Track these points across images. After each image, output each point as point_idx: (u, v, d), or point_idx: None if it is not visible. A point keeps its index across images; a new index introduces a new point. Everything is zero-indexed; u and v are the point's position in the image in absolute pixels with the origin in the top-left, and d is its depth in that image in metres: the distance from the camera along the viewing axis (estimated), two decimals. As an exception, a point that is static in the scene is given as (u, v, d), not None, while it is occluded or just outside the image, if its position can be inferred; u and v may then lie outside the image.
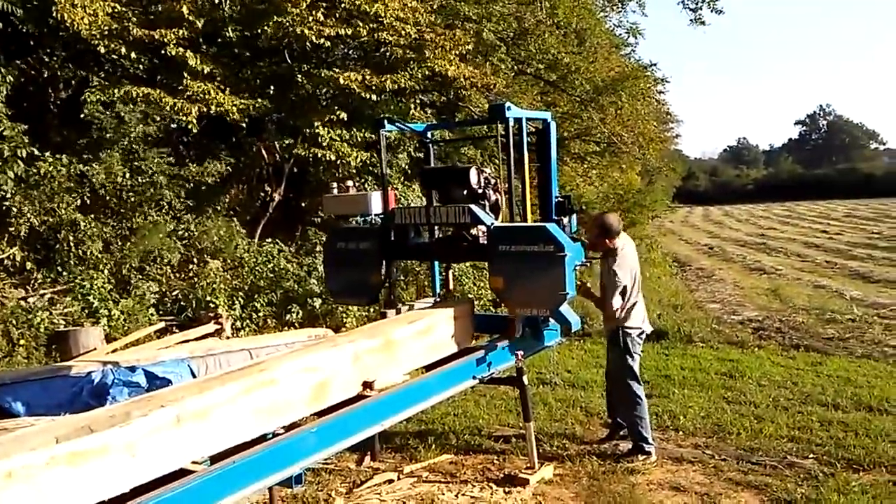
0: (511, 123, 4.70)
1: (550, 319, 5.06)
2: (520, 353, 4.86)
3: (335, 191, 5.45)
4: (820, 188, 60.13)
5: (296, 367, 3.56)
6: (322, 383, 3.65)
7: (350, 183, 5.50)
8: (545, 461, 5.11)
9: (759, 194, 63.24)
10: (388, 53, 12.00)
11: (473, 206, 4.66)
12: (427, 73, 12.05)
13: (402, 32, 11.34)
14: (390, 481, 4.86)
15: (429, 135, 5.80)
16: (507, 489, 4.75)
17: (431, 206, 4.99)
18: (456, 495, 4.67)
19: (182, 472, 3.01)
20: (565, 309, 4.42)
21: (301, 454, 3.41)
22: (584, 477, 4.97)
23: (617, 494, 4.66)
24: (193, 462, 3.08)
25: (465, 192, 4.86)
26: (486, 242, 4.74)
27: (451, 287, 5.59)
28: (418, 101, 13.32)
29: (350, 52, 13.28)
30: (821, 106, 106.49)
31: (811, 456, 5.24)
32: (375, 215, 5.23)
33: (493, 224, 4.63)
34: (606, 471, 5.08)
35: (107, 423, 2.83)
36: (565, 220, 5.17)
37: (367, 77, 11.11)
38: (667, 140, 28.86)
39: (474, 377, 4.66)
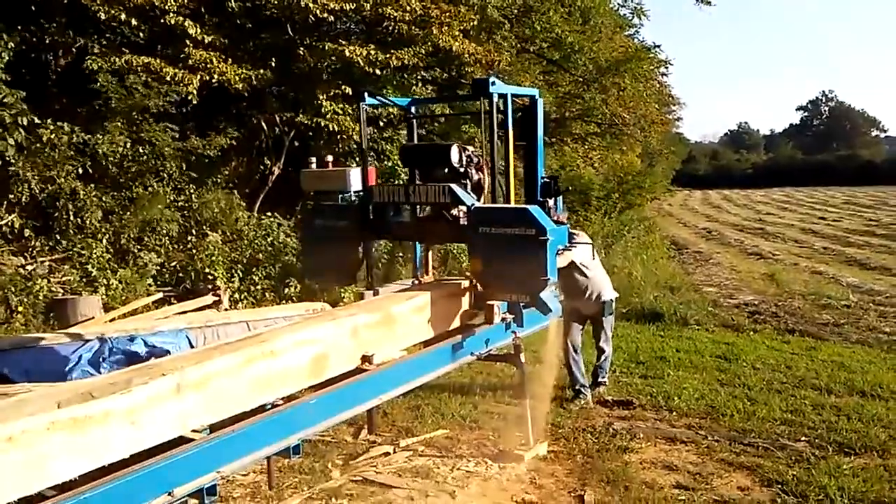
0: (495, 99, 4.43)
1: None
2: (517, 331, 4.89)
3: (313, 165, 5.21)
4: (819, 174, 60.07)
5: (295, 339, 3.57)
6: (321, 356, 3.67)
7: (330, 158, 5.26)
8: (540, 438, 5.16)
9: (758, 179, 63.18)
10: (391, 28, 11.90)
11: (454, 186, 4.46)
12: (430, 49, 11.96)
13: (407, 7, 11.24)
14: (387, 454, 4.91)
15: (413, 110, 5.55)
16: (501, 464, 4.80)
17: (411, 185, 4.80)
18: (451, 469, 4.72)
19: (182, 440, 3.03)
20: (546, 295, 4.22)
21: (299, 425, 3.43)
22: (578, 454, 5.03)
23: (610, 472, 4.71)
24: (193, 430, 3.09)
25: (446, 170, 4.68)
26: (466, 223, 4.56)
27: (430, 270, 5.39)
28: (420, 78, 13.24)
29: (352, 26, 13.17)
30: (823, 92, 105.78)
31: (803, 439, 5.29)
32: (354, 192, 5.01)
33: (473, 204, 4.43)
34: (601, 448, 5.14)
35: (108, 389, 2.84)
36: (551, 202, 4.99)
37: (372, 52, 11.04)
38: (668, 123, 28.73)
39: (472, 354, 4.67)
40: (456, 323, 4.76)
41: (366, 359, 3.92)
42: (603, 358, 6.53)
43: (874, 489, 4.42)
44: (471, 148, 4.78)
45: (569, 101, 19.13)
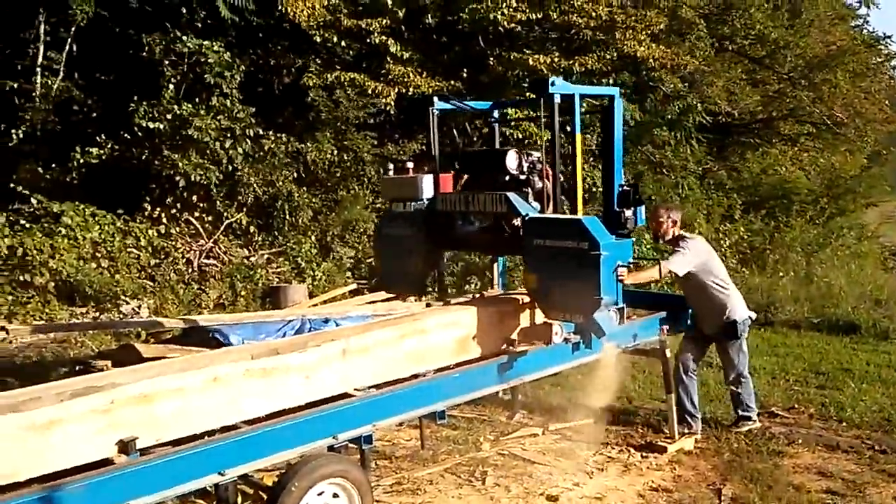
0: (557, 100, 4.18)
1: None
2: (665, 327, 5.07)
3: (391, 172, 5.06)
4: None
5: (444, 321, 4.10)
6: (465, 337, 4.15)
7: (410, 164, 5.00)
8: (688, 434, 5.27)
9: None
10: (577, 35, 12.21)
11: (510, 194, 4.23)
12: (615, 54, 12.10)
13: (593, 14, 11.50)
14: (535, 435, 5.30)
15: (495, 114, 5.31)
16: (644, 454, 5.00)
17: (470, 194, 4.56)
18: (594, 454, 5.00)
19: (345, 396, 3.66)
20: (602, 316, 3.86)
21: (445, 394, 3.94)
22: (726, 452, 5.08)
23: (756, 471, 4.73)
24: (355, 389, 3.72)
25: (506, 178, 4.45)
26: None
27: (494, 282, 5.21)
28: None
29: (546, 32, 13.58)
30: None
31: None
32: (426, 200, 4.78)
33: (527, 214, 4.17)
34: (752, 450, 5.13)
35: (289, 348, 3.56)
36: (628, 212, 4.66)
37: (556, 60, 11.43)
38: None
39: (617, 346, 4.92)
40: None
41: (509, 342, 4.33)
42: (740, 387, 5.47)
43: None
44: (536, 153, 4.59)
45: (776, 100, 18.11)
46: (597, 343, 4.39)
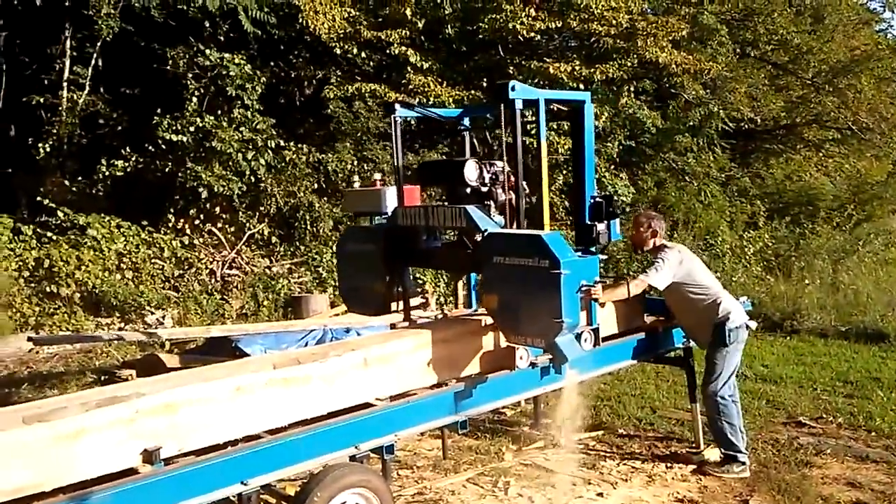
0: (518, 107, 3.89)
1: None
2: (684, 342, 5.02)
3: (356, 184, 4.87)
4: None
5: (464, 330, 4.08)
6: (487, 346, 4.13)
7: (378, 176, 4.79)
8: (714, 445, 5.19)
9: None
10: (598, 43, 12.18)
11: (470, 208, 3.93)
12: (636, 61, 12.05)
13: (613, 22, 11.47)
14: (557, 445, 5.26)
15: (465, 121, 4.93)
16: (668, 464, 4.94)
17: (430, 207, 4.31)
18: (618, 464, 4.96)
19: (367, 405, 3.66)
20: (564, 340, 3.54)
21: (466, 404, 3.92)
22: (753, 463, 4.98)
23: (784, 482, 4.65)
24: (377, 398, 3.72)
25: (468, 190, 4.14)
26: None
27: (459, 301, 4.93)
28: (631, 90, 13.29)
29: (566, 41, 13.56)
30: None
31: None
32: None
33: (486, 230, 3.86)
34: (779, 461, 5.05)
35: (310, 358, 3.56)
36: (601, 226, 4.40)
37: (577, 68, 11.40)
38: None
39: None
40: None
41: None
42: (717, 412, 4.70)
43: None
44: (499, 163, 4.21)
45: (800, 105, 17.96)
46: (564, 369, 4.03)
